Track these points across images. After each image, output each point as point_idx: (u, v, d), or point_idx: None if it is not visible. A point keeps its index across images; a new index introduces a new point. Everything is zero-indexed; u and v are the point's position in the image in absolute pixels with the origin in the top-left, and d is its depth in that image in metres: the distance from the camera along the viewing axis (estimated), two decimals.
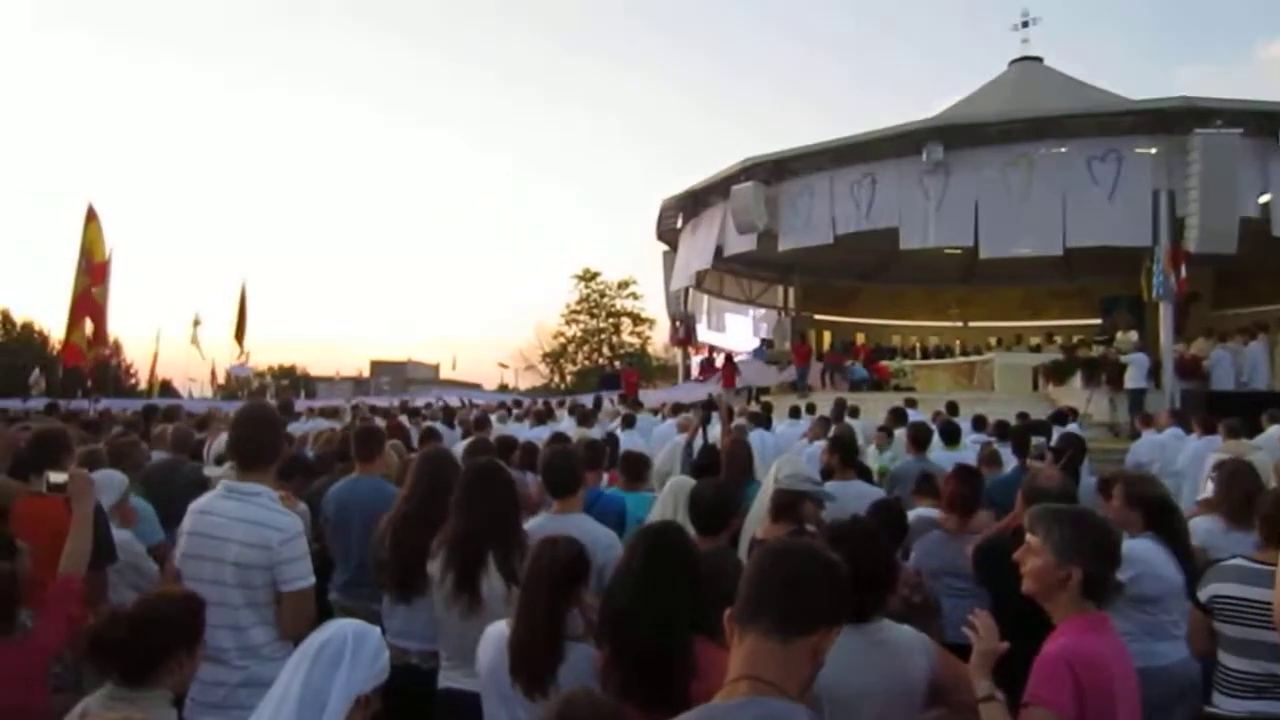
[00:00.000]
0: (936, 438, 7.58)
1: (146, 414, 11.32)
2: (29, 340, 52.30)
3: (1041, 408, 14.40)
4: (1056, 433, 9.00)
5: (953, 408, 11.81)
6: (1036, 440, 6.56)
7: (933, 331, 30.07)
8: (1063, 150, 17.12)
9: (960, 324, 29.80)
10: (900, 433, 8.02)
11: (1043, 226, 16.79)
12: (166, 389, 36.56)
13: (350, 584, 4.30)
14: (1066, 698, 2.10)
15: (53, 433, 4.10)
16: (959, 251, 20.46)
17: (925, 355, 27.55)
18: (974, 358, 23.94)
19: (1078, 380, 17.65)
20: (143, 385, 40.37)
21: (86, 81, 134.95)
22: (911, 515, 4.60)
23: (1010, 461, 6.82)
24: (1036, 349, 23.25)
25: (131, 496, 4.56)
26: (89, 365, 13.15)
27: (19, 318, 54.66)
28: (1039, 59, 27.86)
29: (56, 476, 3.16)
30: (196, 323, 31.17)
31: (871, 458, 8.24)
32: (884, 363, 24.63)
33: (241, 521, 3.04)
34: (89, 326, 11.29)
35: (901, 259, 23.07)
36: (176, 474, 6.23)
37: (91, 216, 10.70)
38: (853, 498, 4.87)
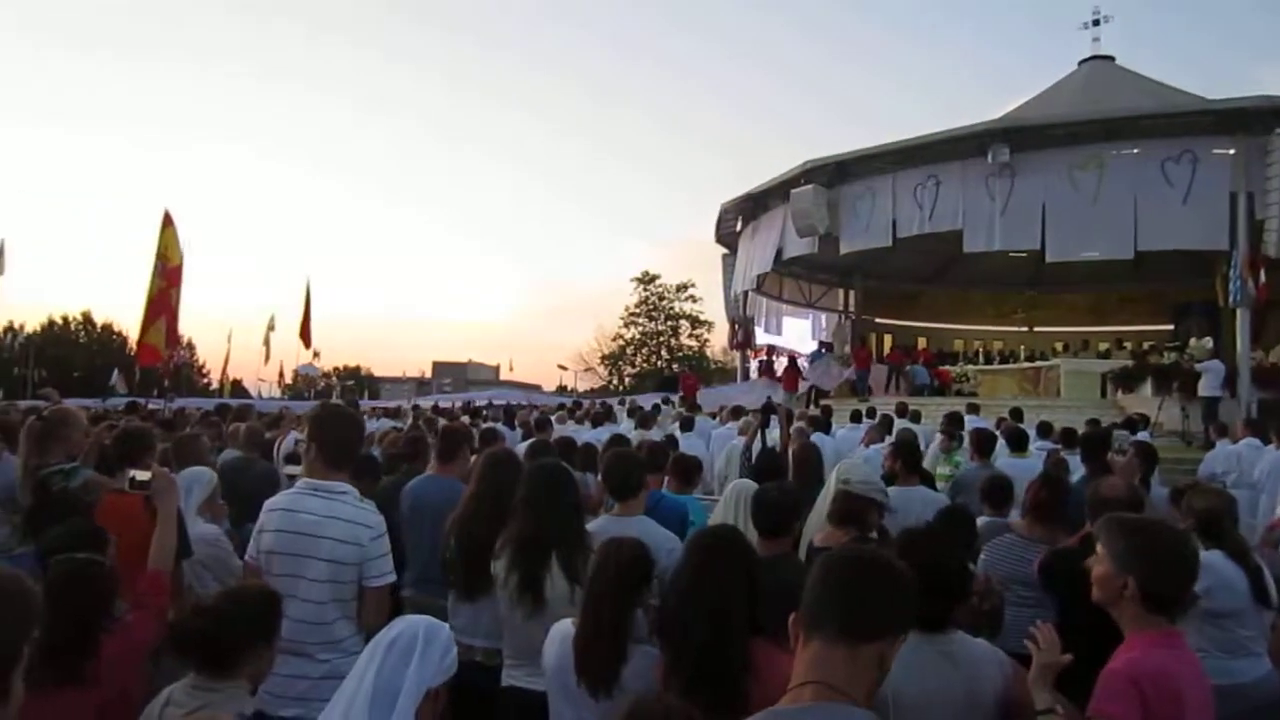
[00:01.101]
0: (1002, 444, 7.43)
1: (220, 412, 11.66)
2: (109, 342, 54.20)
3: (1110, 415, 14.03)
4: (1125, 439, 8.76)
5: (1017, 414, 11.55)
6: (1119, 434, 6.36)
7: (997, 336, 29.51)
8: (1135, 151, 16.69)
9: (1025, 329, 29.18)
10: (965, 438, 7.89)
11: (1113, 230, 16.38)
12: (237, 388, 37.63)
13: (421, 580, 4.35)
14: (1131, 713, 2.06)
15: (137, 431, 4.25)
16: (1024, 255, 20.05)
17: (989, 360, 27.00)
18: (1040, 363, 23.42)
19: (1148, 387, 17.16)
20: (215, 385, 41.57)
21: (163, 89, 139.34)
22: (979, 522, 4.53)
23: (1078, 470, 6.66)
24: (1105, 355, 22.68)
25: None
26: (164, 365, 13.59)
27: (100, 319, 56.77)
28: (1110, 58, 27.12)
29: (140, 474, 3.27)
30: (271, 326, 32.07)
31: (934, 463, 8.11)
32: (946, 367, 24.19)
33: (334, 519, 3.13)
34: (164, 328, 11.67)
35: (965, 262, 22.68)
36: (249, 471, 6.39)
37: (168, 221, 11.10)
38: (916, 504, 4.82)
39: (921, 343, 28.36)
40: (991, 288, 28.17)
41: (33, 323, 51.07)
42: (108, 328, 56.25)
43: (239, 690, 2.39)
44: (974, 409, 12.55)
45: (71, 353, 52.85)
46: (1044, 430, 9.44)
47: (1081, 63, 27.47)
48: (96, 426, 5.71)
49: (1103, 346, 24.29)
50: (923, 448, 7.62)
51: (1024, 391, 21.47)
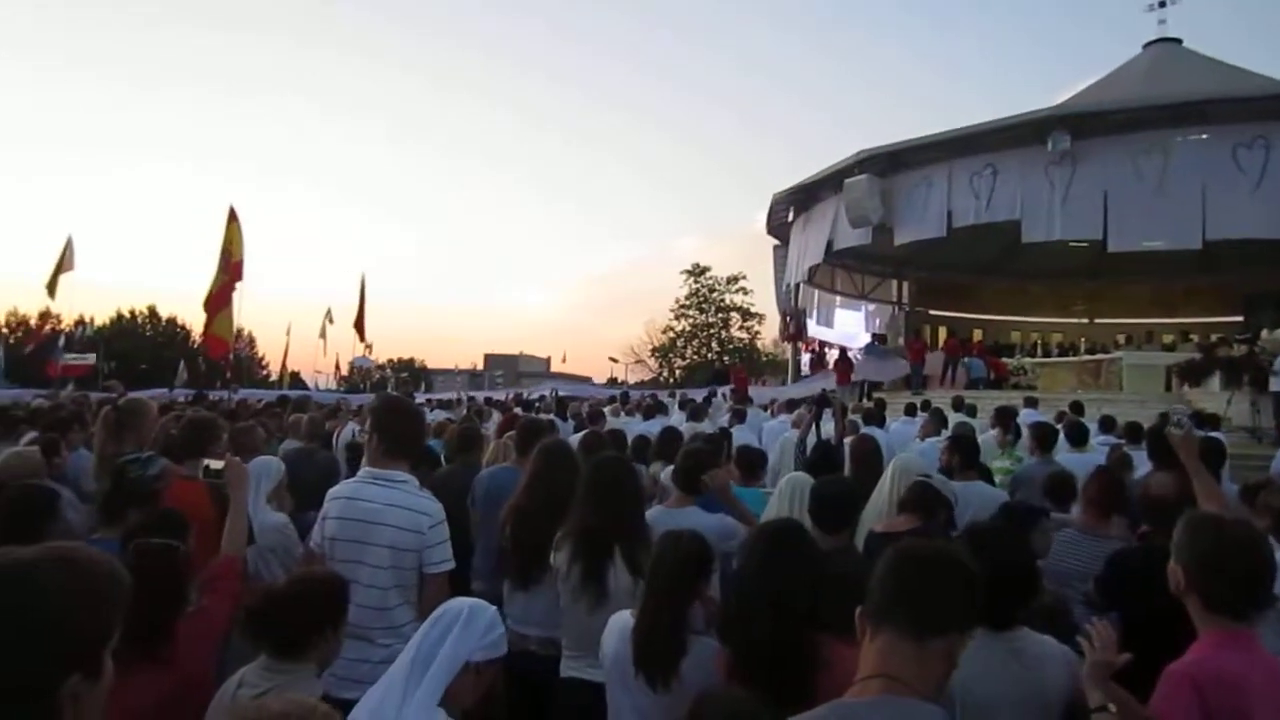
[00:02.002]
0: (1062, 439, 7.28)
1: (280, 404, 11.94)
2: (174, 335, 55.75)
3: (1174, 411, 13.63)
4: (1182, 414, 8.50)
5: (1077, 408, 11.31)
6: (1175, 409, 6.15)
7: (1055, 328, 28.87)
8: (1204, 137, 16.18)
9: (1086, 320, 28.52)
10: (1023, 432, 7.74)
11: (1179, 218, 15.92)
12: (295, 380, 38.47)
13: (492, 569, 4.38)
14: (1187, 715, 2.02)
15: (204, 420, 4.38)
16: (1085, 245, 19.59)
17: (1047, 353, 26.43)
18: (1100, 356, 22.82)
19: (1216, 381, 16.64)
20: (274, 377, 42.56)
21: (225, 88, 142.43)
22: None
23: (1143, 466, 6.49)
24: (1170, 348, 22.03)
25: None
26: (227, 358, 13.94)
27: (164, 313, 58.44)
28: (1177, 40, 26.30)
29: (214, 463, 3.37)
30: (329, 319, 32.72)
31: (990, 458, 7.97)
32: (1003, 360, 23.73)
33: (394, 507, 3.20)
34: (230, 320, 11.98)
35: (1023, 253, 22.24)
36: (310, 461, 6.53)
37: (233, 217, 11.39)
38: (974, 499, 4.75)
39: (977, 335, 27.90)
40: (1050, 279, 27.58)
41: (101, 316, 52.84)
42: (172, 321, 57.87)
43: (308, 673, 2.45)
44: (1032, 402, 12.33)
45: (138, 345, 54.41)
46: (1106, 424, 9.23)
47: (1146, 46, 26.68)
48: (164, 417, 5.87)
49: (1167, 339, 23.61)
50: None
51: (1084, 385, 20.97)
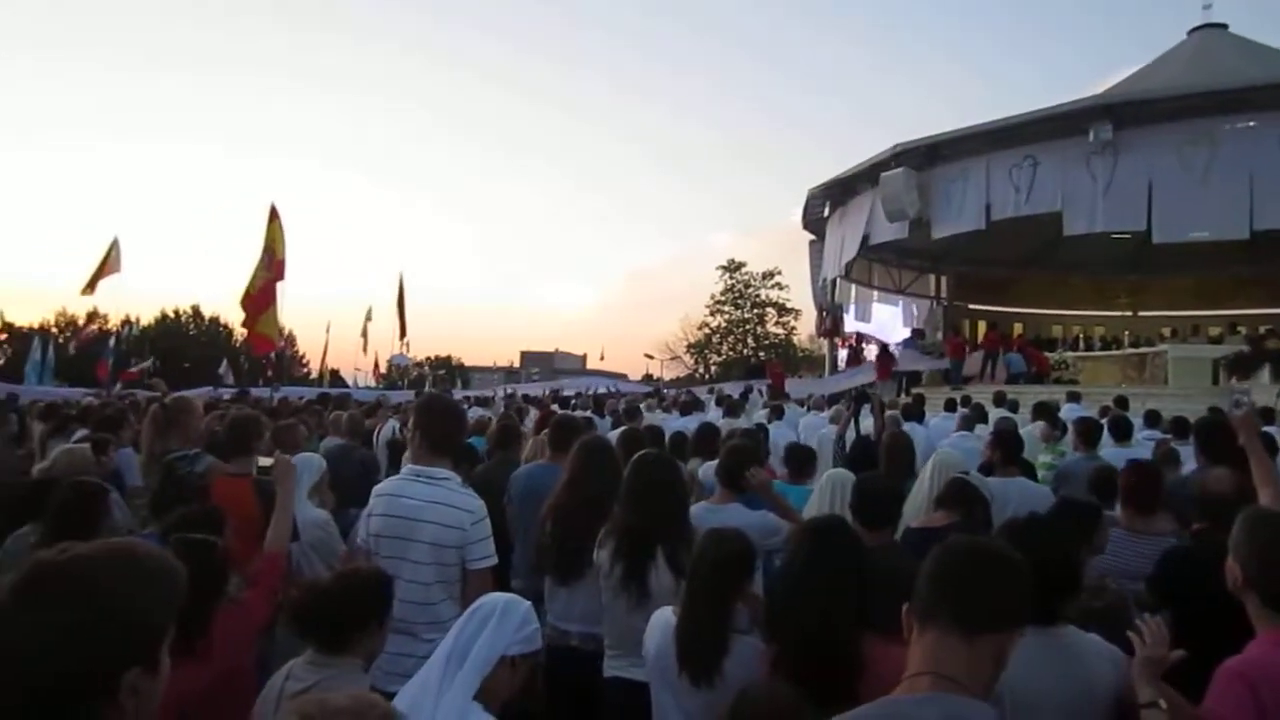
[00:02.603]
0: (1106, 434, 7.16)
1: (321, 401, 12.09)
2: (217, 333, 56.77)
3: (1223, 403, 13.36)
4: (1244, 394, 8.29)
5: (1122, 402, 11.12)
6: (1235, 390, 6.00)
7: (1098, 321, 28.41)
8: (1251, 125, 15.78)
9: (1129, 314, 28.02)
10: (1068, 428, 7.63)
11: (1226, 209, 15.54)
12: (335, 378, 38.97)
13: (531, 566, 4.36)
14: (1238, 713, 1.98)
15: (247, 418, 4.45)
16: (1128, 237, 19.23)
17: (1089, 347, 25.99)
18: (1145, 349, 22.41)
19: (1266, 374, 16.27)
20: (314, 374, 43.12)
21: (267, 86, 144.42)
22: None
23: (1189, 462, 6.36)
24: (1217, 340, 21.57)
25: None
26: (269, 356, 14.17)
27: (208, 312, 59.58)
28: (1223, 25, 25.71)
29: (267, 462, 3.42)
30: (369, 317, 33.13)
31: (1034, 453, 7.86)
32: (1044, 354, 23.34)
33: (436, 504, 3.24)
34: (275, 318, 12.13)
35: (1064, 246, 21.87)
36: (349, 458, 6.62)
37: (274, 215, 11.53)
38: (1014, 495, 4.69)
39: (1017, 329, 27.53)
40: (1092, 271, 27.12)
41: (147, 316, 53.92)
42: (215, 320, 59.01)
43: (354, 667, 2.49)
44: (1075, 397, 12.13)
45: (182, 344, 55.48)
46: (1152, 419, 9.07)
47: (1191, 32, 26.10)
48: (208, 415, 5.98)
49: (1214, 331, 23.11)
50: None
51: (1128, 379, 20.63)
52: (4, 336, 54.13)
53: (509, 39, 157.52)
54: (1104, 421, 7.58)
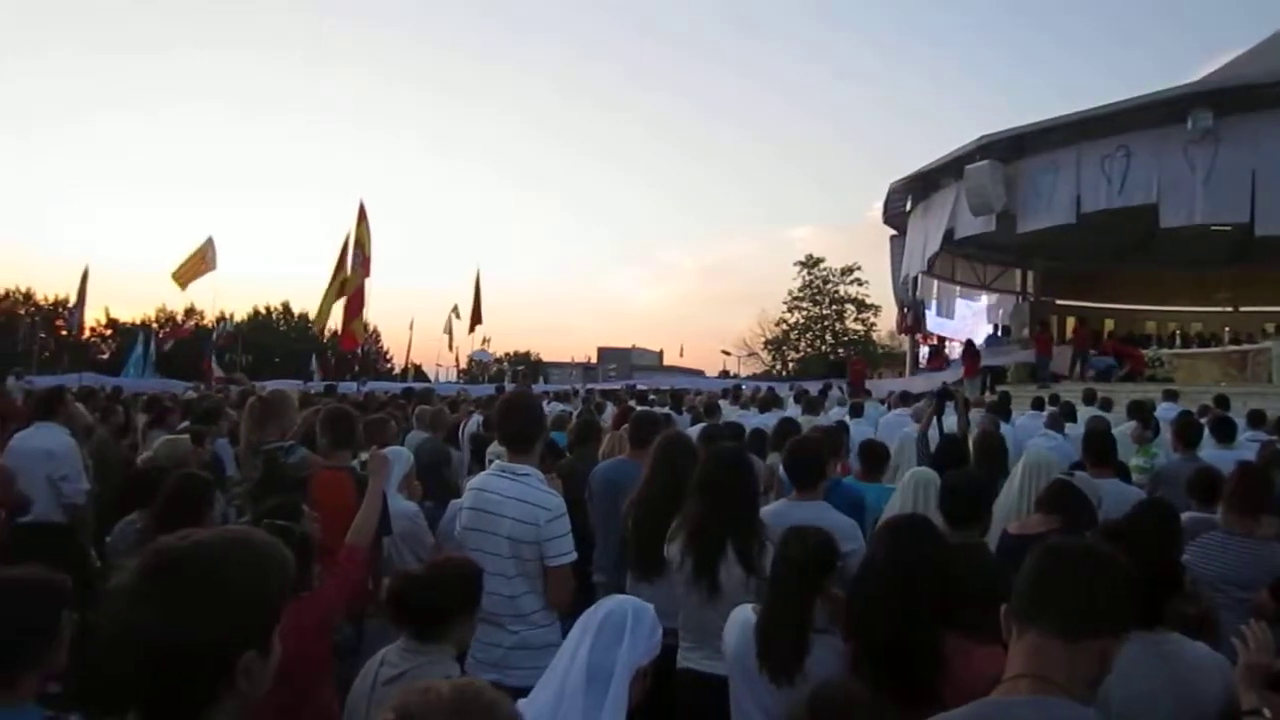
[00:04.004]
0: (1206, 435, 6.88)
1: (405, 396, 12.41)
2: (305, 330, 58.68)
3: None
4: None
5: (1223, 401, 10.65)
6: None
7: (1195, 317, 27.21)
8: None
9: (1229, 309, 26.75)
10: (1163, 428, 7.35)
11: None
12: (419, 373, 39.89)
13: (613, 562, 4.44)
14: None
15: (342, 413, 4.58)
16: (1228, 229, 18.40)
17: (1186, 343, 24.92)
18: (1247, 346, 21.39)
19: None
20: (397, 370, 44.22)
21: (351, 86, 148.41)
22: (1184, 518, 4.21)
23: None
24: None
25: None
26: (355, 353, 14.63)
27: (297, 309, 61.69)
28: None
29: (366, 455, 3.53)
30: (455, 313, 33.83)
31: (1128, 454, 7.59)
32: (1138, 350, 22.47)
33: (514, 499, 3.31)
34: (364, 316, 12.52)
35: (1159, 239, 21.04)
36: (425, 451, 6.78)
37: (363, 215, 11.89)
38: (1107, 497, 4.54)
39: (1108, 325, 26.57)
40: (1190, 265, 25.96)
41: (240, 312, 56.09)
42: (304, 317, 60.98)
43: (445, 655, 2.56)
44: (1172, 396, 11.68)
45: (272, 340, 57.59)
46: (1255, 419, 8.66)
47: None
48: (304, 410, 6.20)
49: None
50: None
51: (1228, 377, 19.71)
52: (109, 331, 56.96)
53: (583, 42, 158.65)
54: (1204, 422, 7.28)
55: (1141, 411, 8.36)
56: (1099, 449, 5.21)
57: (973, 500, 3.32)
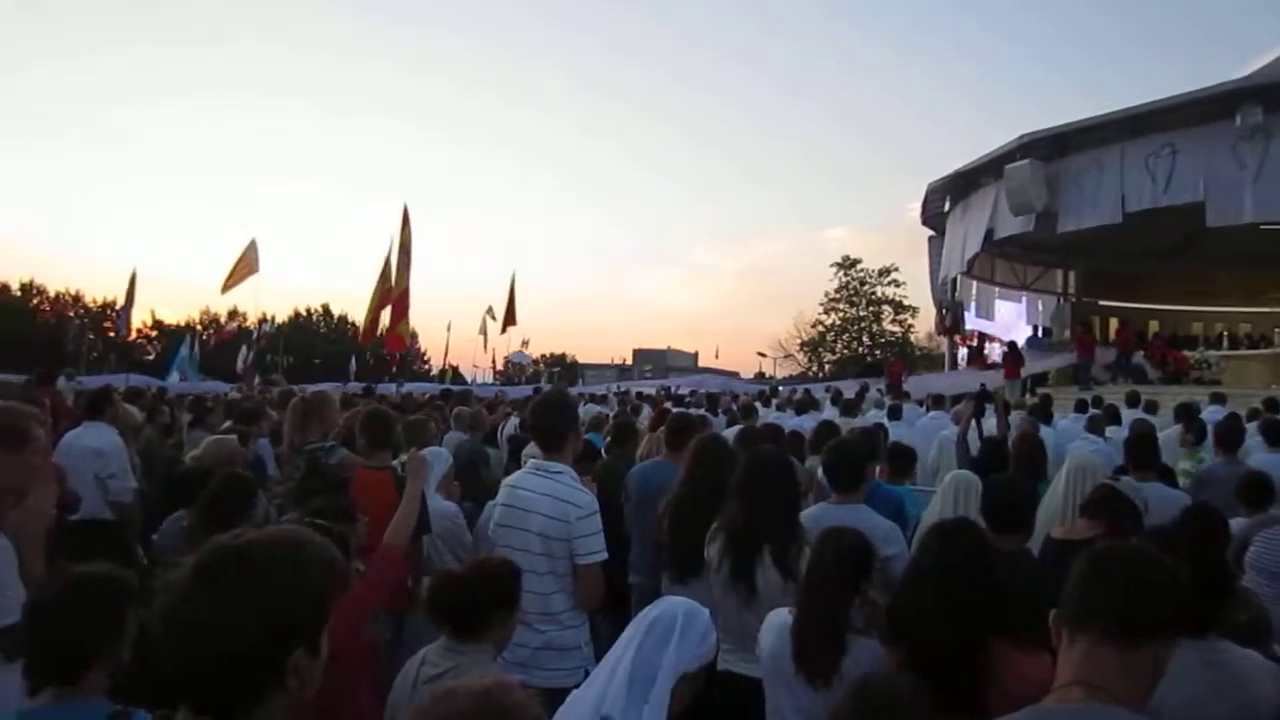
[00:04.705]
0: (1256, 440, 6.72)
1: (443, 397, 12.52)
2: (344, 331, 59.49)
3: None
4: None
5: (1272, 404, 10.39)
6: None
7: (1244, 318, 26.59)
8: None
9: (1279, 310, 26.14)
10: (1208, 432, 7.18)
11: None
12: (456, 374, 40.24)
13: (649, 563, 4.42)
14: None
15: (380, 414, 4.63)
16: (1278, 227, 17.96)
17: (1234, 345, 24.35)
18: None
19: None
20: (435, 371, 44.65)
21: (390, 88, 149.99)
22: (1238, 523, 4.11)
23: None
24: None
25: None
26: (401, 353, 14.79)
27: (336, 311, 62.62)
28: None
29: (406, 456, 3.57)
30: (491, 315, 34.08)
31: (1173, 459, 7.43)
32: (1184, 353, 22.00)
33: (546, 497, 3.33)
34: (389, 317, 12.62)
35: (1205, 238, 20.60)
36: (460, 451, 6.83)
37: (406, 219, 12.02)
38: (1151, 501, 4.46)
39: (1153, 326, 26.05)
40: (1237, 265, 25.38)
41: (281, 314, 56.95)
42: (343, 318, 61.91)
43: (485, 654, 2.58)
44: (1219, 398, 11.43)
45: (313, 341, 58.43)
46: None
47: None
48: (345, 411, 6.28)
49: None
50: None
51: (1278, 380, 19.27)
52: (155, 333, 58.16)
53: (620, 45, 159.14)
54: (1250, 425, 7.12)
55: (1188, 414, 8.19)
56: (1142, 452, 5.12)
57: (1018, 505, 3.26)
